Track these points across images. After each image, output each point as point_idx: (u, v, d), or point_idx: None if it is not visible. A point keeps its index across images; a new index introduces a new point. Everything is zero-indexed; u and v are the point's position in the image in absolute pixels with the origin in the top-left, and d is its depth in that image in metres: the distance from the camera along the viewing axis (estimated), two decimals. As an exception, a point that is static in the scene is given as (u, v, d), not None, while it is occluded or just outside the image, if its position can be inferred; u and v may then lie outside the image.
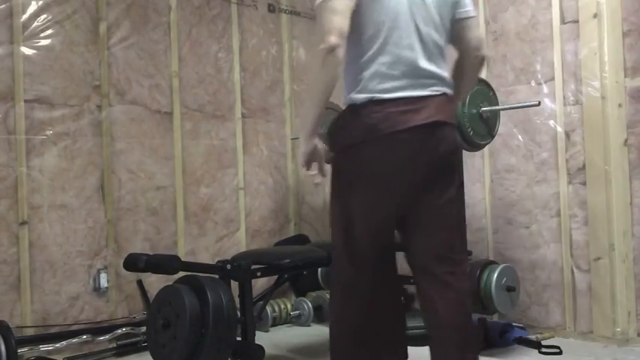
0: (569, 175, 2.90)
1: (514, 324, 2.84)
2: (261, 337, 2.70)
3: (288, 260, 2.65)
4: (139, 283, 3.09)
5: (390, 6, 1.73)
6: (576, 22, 2.86)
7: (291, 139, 3.72)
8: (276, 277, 2.95)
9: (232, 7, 3.60)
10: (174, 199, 3.28)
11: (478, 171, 3.24)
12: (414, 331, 2.89)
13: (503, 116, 2.96)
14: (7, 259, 2.72)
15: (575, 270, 2.88)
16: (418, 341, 2.87)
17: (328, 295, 3.46)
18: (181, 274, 2.51)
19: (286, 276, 3.10)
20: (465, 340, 1.86)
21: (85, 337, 2.80)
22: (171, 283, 2.47)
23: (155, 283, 3.04)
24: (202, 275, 2.39)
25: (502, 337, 2.76)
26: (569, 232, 2.89)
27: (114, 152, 3.07)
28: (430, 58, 1.78)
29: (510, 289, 2.62)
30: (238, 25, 3.61)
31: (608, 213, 2.74)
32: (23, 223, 2.77)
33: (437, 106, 1.76)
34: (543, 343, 2.74)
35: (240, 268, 2.46)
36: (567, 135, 2.90)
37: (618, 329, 2.73)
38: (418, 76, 1.76)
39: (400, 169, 1.74)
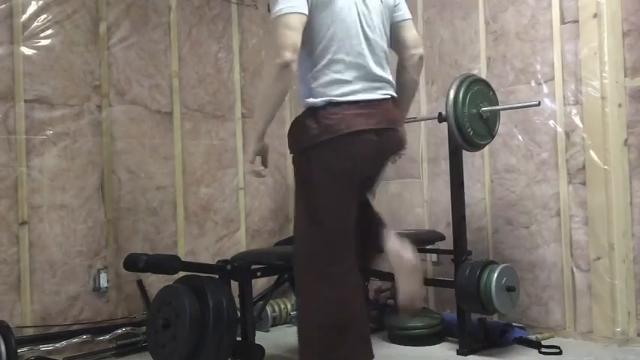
0: (569, 175, 2.90)
1: (514, 324, 2.85)
2: (261, 337, 2.70)
3: (288, 260, 2.65)
4: (139, 283, 3.09)
5: (341, 18, 1.85)
6: (576, 22, 2.86)
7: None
8: (276, 277, 2.96)
9: (232, 7, 3.60)
10: (175, 199, 3.29)
11: (478, 171, 3.24)
12: (414, 331, 2.90)
13: (503, 116, 2.96)
14: (7, 259, 2.72)
15: (575, 270, 2.88)
16: (418, 341, 2.89)
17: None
18: (181, 274, 2.51)
19: (286, 276, 3.10)
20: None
21: (84, 337, 2.81)
22: (171, 283, 2.48)
23: (155, 283, 3.04)
24: (202, 275, 2.39)
25: (502, 336, 2.76)
26: (569, 232, 2.89)
27: (114, 152, 3.07)
28: (378, 62, 1.94)
29: (510, 289, 2.62)
30: (238, 25, 3.61)
31: (608, 213, 2.74)
32: (23, 223, 2.77)
33: (386, 111, 1.92)
34: (543, 343, 2.74)
35: (240, 268, 2.46)
36: (567, 135, 2.90)
37: (618, 329, 2.73)
38: (369, 80, 1.91)
39: (356, 166, 1.87)
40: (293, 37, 1.76)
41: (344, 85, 1.86)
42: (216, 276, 2.48)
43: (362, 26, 1.90)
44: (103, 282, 2.98)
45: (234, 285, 2.49)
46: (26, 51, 2.81)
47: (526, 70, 3.05)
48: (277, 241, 3.64)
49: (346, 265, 1.87)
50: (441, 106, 2.90)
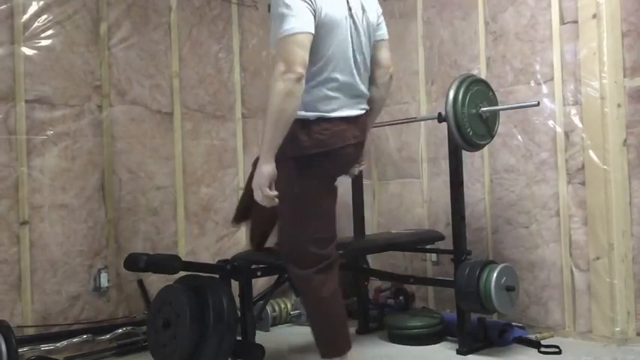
0: (568, 175, 2.90)
1: (513, 323, 2.85)
2: (261, 337, 2.71)
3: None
4: (140, 282, 3.10)
5: (340, 39, 2.01)
6: (575, 22, 2.86)
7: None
8: (276, 276, 2.96)
9: (232, 7, 3.61)
10: (175, 199, 3.29)
11: (478, 171, 3.24)
12: (414, 330, 2.90)
13: (503, 116, 2.97)
14: (7, 258, 2.73)
15: (574, 270, 2.88)
16: (418, 341, 2.89)
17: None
18: (181, 273, 2.52)
19: (286, 276, 3.10)
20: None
21: (85, 336, 2.81)
22: (171, 282, 2.48)
23: (155, 282, 3.04)
24: (203, 275, 2.40)
25: (501, 336, 2.77)
26: (569, 231, 2.90)
27: (114, 152, 3.08)
28: (363, 80, 2.13)
29: (510, 289, 2.63)
30: (238, 26, 3.62)
31: (607, 213, 2.75)
32: (24, 222, 2.77)
33: (362, 124, 2.15)
34: (543, 342, 2.75)
35: (240, 267, 2.46)
36: (566, 135, 2.90)
37: (617, 329, 2.73)
38: (354, 96, 2.10)
39: (337, 172, 2.19)
40: (303, 54, 1.88)
41: (334, 101, 2.02)
42: (217, 276, 2.48)
43: (353, 47, 2.06)
44: (104, 282, 2.98)
45: (235, 285, 2.49)
46: (27, 51, 2.81)
47: (525, 70, 3.05)
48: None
49: (328, 249, 2.11)
50: (441, 106, 2.91)
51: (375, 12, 2.18)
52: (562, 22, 2.91)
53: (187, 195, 3.34)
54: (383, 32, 2.22)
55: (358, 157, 2.24)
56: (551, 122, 2.96)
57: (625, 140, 2.78)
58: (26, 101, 2.80)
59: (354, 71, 2.07)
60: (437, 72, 3.46)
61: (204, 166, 3.43)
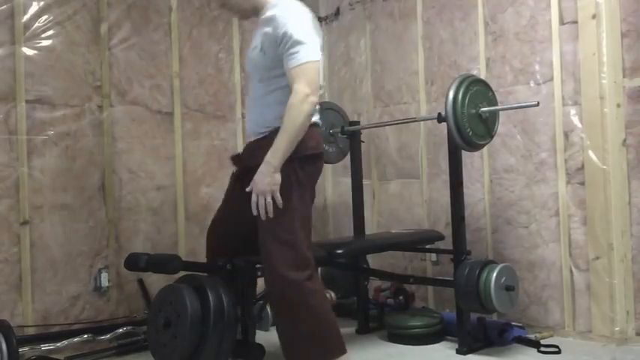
0: (567, 175, 2.91)
1: (513, 323, 2.85)
2: (261, 337, 2.71)
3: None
4: (140, 282, 3.10)
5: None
6: (575, 22, 2.87)
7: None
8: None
9: (233, 7, 3.61)
10: (175, 199, 3.30)
11: (477, 171, 3.25)
12: (414, 330, 2.91)
13: (502, 116, 2.97)
14: (8, 258, 2.73)
15: (574, 269, 2.89)
16: (418, 340, 2.90)
17: (328, 295, 3.47)
18: (182, 273, 2.52)
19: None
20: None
21: (85, 336, 2.81)
22: (171, 282, 2.48)
23: (156, 282, 3.05)
24: (203, 275, 2.40)
25: (501, 336, 2.77)
26: (568, 231, 2.90)
27: (115, 152, 3.08)
28: None
29: (509, 289, 2.63)
30: (239, 26, 3.62)
31: (606, 213, 2.76)
32: (24, 222, 2.78)
33: None
34: (542, 342, 2.75)
35: (240, 267, 2.47)
36: (566, 135, 2.91)
37: (617, 328, 2.73)
38: None
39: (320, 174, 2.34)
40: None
41: (316, 111, 2.24)
42: (217, 275, 2.48)
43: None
44: (104, 281, 2.99)
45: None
46: (27, 51, 2.82)
47: (525, 70, 3.06)
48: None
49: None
50: (441, 107, 2.92)
51: None
52: (561, 22, 2.92)
53: (188, 195, 3.35)
54: None
55: None
56: (550, 122, 2.96)
57: (624, 140, 2.78)
58: (27, 101, 2.81)
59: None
60: (437, 72, 3.46)
61: (204, 166, 3.43)
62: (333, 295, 3.50)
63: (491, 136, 2.83)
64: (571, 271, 2.89)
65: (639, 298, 2.76)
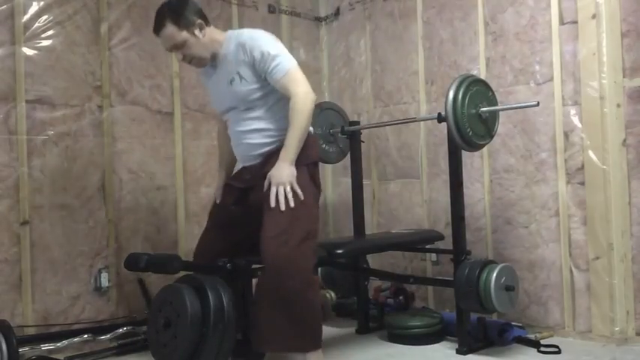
0: (567, 175, 2.91)
1: (513, 323, 2.85)
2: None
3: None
4: (140, 282, 3.10)
5: None
6: (575, 22, 2.87)
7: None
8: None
9: (233, 8, 3.61)
10: (175, 199, 3.30)
11: (477, 171, 3.25)
12: (414, 330, 2.91)
13: (502, 116, 2.97)
14: (8, 258, 2.73)
15: (574, 269, 2.89)
16: (418, 340, 2.90)
17: (328, 295, 3.48)
18: (182, 273, 2.52)
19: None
20: None
21: (86, 336, 2.81)
22: (171, 282, 2.48)
23: (156, 282, 3.05)
24: (203, 275, 2.40)
25: (501, 336, 2.77)
26: (568, 231, 2.90)
27: (115, 152, 3.08)
28: None
29: (509, 289, 2.63)
30: (239, 26, 3.62)
31: (606, 213, 2.76)
32: (24, 222, 2.78)
33: None
34: (542, 342, 2.75)
35: (240, 267, 2.47)
36: (566, 135, 2.91)
37: (617, 328, 2.74)
38: None
39: None
40: None
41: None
42: (217, 275, 2.48)
43: None
44: (104, 281, 2.99)
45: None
46: (27, 51, 2.82)
47: (525, 70, 3.06)
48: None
49: None
50: (441, 107, 2.92)
51: None
52: (561, 22, 2.92)
53: (188, 195, 3.35)
54: None
55: None
56: (550, 122, 2.96)
57: (624, 140, 2.78)
58: (27, 101, 2.81)
59: None
60: (437, 72, 3.46)
61: (204, 166, 3.43)
62: (333, 295, 3.50)
63: (492, 136, 2.83)
64: (571, 271, 2.90)
65: (639, 298, 2.76)
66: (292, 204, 2.23)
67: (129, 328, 2.94)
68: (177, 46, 2.38)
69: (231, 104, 2.45)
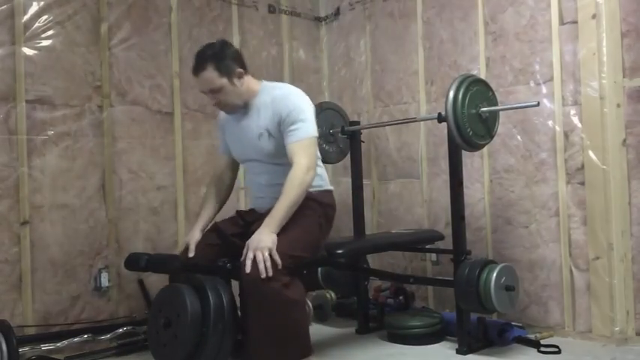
0: (567, 175, 2.91)
1: (513, 323, 2.85)
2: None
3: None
4: (140, 282, 3.10)
5: None
6: (575, 22, 2.87)
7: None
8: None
9: (233, 8, 3.61)
10: (175, 199, 3.30)
11: (477, 171, 3.25)
12: (414, 330, 2.91)
13: (502, 116, 2.97)
14: (8, 258, 2.73)
15: (574, 269, 2.89)
16: (418, 340, 2.90)
17: (328, 295, 3.48)
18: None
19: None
20: None
21: (86, 336, 2.81)
22: (171, 282, 2.48)
23: (156, 282, 3.05)
24: (203, 275, 2.40)
25: (501, 336, 2.77)
26: (568, 231, 2.90)
27: (115, 152, 3.08)
28: None
29: (509, 289, 2.63)
30: (239, 26, 3.62)
31: (606, 213, 2.76)
32: (24, 222, 2.78)
33: None
34: (542, 342, 2.75)
35: (240, 267, 2.47)
36: (566, 135, 2.91)
37: (617, 328, 2.74)
38: None
39: None
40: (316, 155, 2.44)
41: (326, 181, 2.59)
42: (217, 275, 2.48)
43: None
44: (104, 281, 2.99)
45: (235, 284, 2.49)
46: (27, 51, 2.82)
47: (525, 70, 3.06)
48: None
49: None
50: (441, 107, 2.92)
51: None
52: (561, 22, 2.92)
53: (188, 195, 3.35)
54: None
55: None
56: (550, 122, 2.96)
57: (624, 140, 2.78)
58: (27, 101, 2.81)
59: None
60: (437, 72, 3.46)
61: (204, 166, 3.43)
62: (333, 295, 3.50)
63: (492, 136, 2.83)
64: (571, 271, 2.90)
65: (639, 298, 2.76)
66: (270, 273, 2.13)
67: (129, 328, 2.94)
68: (214, 91, 2.41)
69: (256, 157, 2.49)
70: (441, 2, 3.43)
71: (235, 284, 2.49)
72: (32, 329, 2.76)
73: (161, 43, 3.29)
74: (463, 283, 2.63)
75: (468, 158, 3.17)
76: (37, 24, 2.85)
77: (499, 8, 3.16)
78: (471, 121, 2.68)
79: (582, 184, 2.85)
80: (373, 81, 3.84)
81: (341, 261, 3.10)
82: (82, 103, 2.99)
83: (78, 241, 2.94)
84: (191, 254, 2.44)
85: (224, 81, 2.39)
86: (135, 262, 2.58)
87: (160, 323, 2.28)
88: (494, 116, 2.82)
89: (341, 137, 3.32)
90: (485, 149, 3.07)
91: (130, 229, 3.12)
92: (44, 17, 2.88)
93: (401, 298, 3.30)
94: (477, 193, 3.25)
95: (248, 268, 2.15)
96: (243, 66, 2.45)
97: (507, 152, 3.13)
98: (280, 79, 3.78)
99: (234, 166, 2.71)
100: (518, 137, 3.09)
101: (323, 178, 2.54)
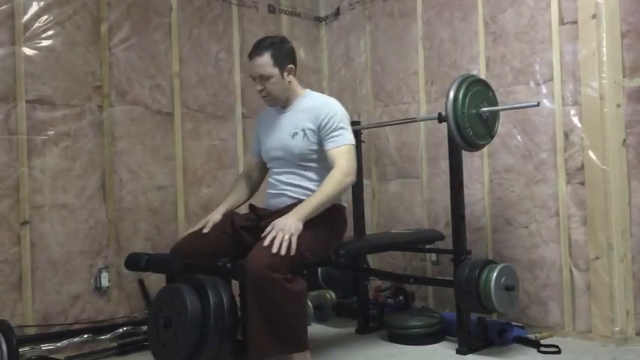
0: (567, 175, 2.91)
1: (513, 323, 2.85)
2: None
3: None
4: (140, 282, 3.10)
5: None
6: (575, 22, 2.87)
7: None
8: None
9: (233, 8, 3.61)
10: (175, 199, 3.30)
11: (477, 171, 3.25)
12: (414, 330, 2.91)
13: (502, 116, 2.97)
14: (8, 258, 2.73)
15: (573, 269, 2.89)
16: (418, 340, 2.90)
17: (328, 295, 3.48)
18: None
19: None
20: None
21: (86, 336, 2.82)
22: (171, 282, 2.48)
23: (156, 282, 3.05)
24: (203, 275, 2.40)
25: (501, 336, 2.77)
26: (568, 231, 2.90)
27: (115, 152, 3.08)
28: None
29: (509, 289, 2.63)
30: (239, 26, 3.62)
31: (606, 213, 2.76)
32: (25, 222, 2.78)
33: None
34: (542, 342, 2.75)
35: (240, 267, 2.47)
36: (566, 135, 2.91)
37: (617, 328, 2.74)
38: None
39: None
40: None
41: None
42: (217, 275, 2.48)
43: None
44: (105, 281, 2.99)
45: (235, 284, 2.50)
46: (27, 51, 2.82)
47: (525, 70, 3.06)
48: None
49: None
50: (441, 107, 2.92)
51: None
52: (561, 22, 2.92)
53: (188, 195, 3.35)
54: None
55: None
56: (550, 122, 2.96)
57: (624, 140, 2.78)
58: (27, 101, 2.81)
59: None
60: (437, 72, 3.46)
61: (204, 166, 3.43)
62: (333, 295, 3.50)
63: (492, 136, 2.83)
64: (571, 271, 2.90)
65: (639, 298, 2.76)
66: (283, 252, 2.19)
67: (129, 328, 2.94)
68: (263, 77, 2.51)
69: (284, 156, 2.56)
70: (441, 2, 3.43)
71: (235, 284, 2.49)
72: (32, 329, 2.76)
73: (161, 43, 3.29)
74: (463, 283, 2.63)
75: (468, 158, 3.17)
76: (37, 24, 2.86)
77: (499, 8, 3.16)
78: (471, 121, 2.69)
79: (582, 184, 2.85)
80: (373, 81, 3.84)
81: (341, 261, 3.10)
82: (82, 103, 2.99)
83: (78, 241, 2.94)
84: (206, 230, 2.54)
85: (275, 71, 2.50)
86: (135, 262, 2.58)
87: (160, 323, 2.28)
88: (494, 116, 2.82)
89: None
90: (485, 149, 3.07)
91: (130, 229, 3.12)
92: (44, 17, 2.88)
93: (401, 298, 3.30)
94: (477, 193, 3.25)
95: (267, 242, 2.21)
96: (295, 64, 2.57)
97: (507, 152, 3.13)
98: (280, 79, 3.78)
99: (262, 168, 2.78)
100: (518, 137, 3.09)
101: None
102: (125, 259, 2.64)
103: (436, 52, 3.47)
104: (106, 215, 3.04)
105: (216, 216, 2.61)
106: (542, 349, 2.67)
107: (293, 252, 2.21)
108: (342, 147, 2.44)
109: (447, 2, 3.40)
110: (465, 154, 2.88)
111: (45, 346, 2.71)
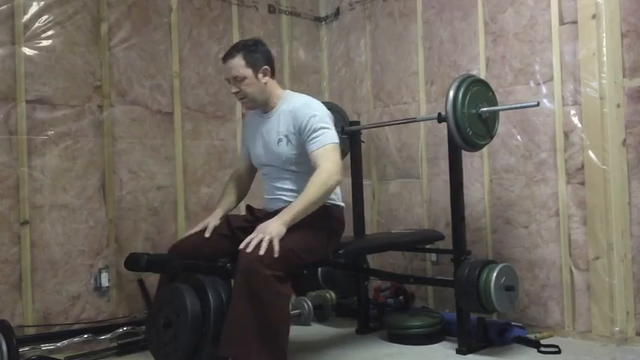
0: (567, 175, 2.91)
1: (513, 323, 2.85)
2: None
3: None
4: (140, 282, 3.10)
5: None
6: (575, 22, 2.87)
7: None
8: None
9: (233, 8, 3.62)
10: (175, 199, 3.30)
11: (477, 171, 3.25)
12: (414, 330, 2.91)
13: (502, 116, 2.97)
14: (8, 258, 2.73)
15: (573, 269, 2.89)
16: (418, 340, 2.90)
17: (328, 295, 3.48)
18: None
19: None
20: None
21: (86, 336, 2.81)
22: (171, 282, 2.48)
23: (156, 282, 3.04)
24: (203, 275, 2.40)
25: (501, 336, 2.77)
26: (568, 231, 2.90)
27: (115, 152, 3.09)
28: None
29: (509, 289, 2.63)
30: (239, 26, 3.63)
31: (606, 213, 2.76)
32: (25, 222, 2.78)
33: None
34: (542, 342, 2.75)
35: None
36: (566, 135, 2.91)
37: (617, 328, 2.74)
38: None
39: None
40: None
41: (339, 196, 2.63)
42: (217, 275, 2.48)
43: None
44: (104, 281, 2.99)
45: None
46: (27, 51, 2.82)
47: (525, 70, 3.06)
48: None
49: None
50: (441, 107, 2.92)
51: None
52: (561, 22, 2.92)
53: (188, 195, 3.35)
54: None
55: None
56: (550, 122, 2.96)
57: (624, 140, 2.78)
58: (27, 101, 2.81)
59: None
60: (436, 72, 3.46)
61: (204, 166, 3.43)
62: (333, 295, 3.50)
63: (492, 136, 2.83)
64: (571, 271, 2.90)
65: (639, 298, 2.76)
66: (262, 252, 2.15)
67: (129, 328, 2.94)
68: (237, 79, 2.49)
69: (273, 162, 2.55)
70: (441, 2, 3.43)
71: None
72: (32, 329, 2.76)
73: (161, 43, 3.29)
74: (463, 283, 2.63)
75: (468, 158, 3.17)
76: (37, 24, 2.86)
77: (499, 8, 3.16)
78: (471, 121, 2.69)
79: (582, 184, 2.85)
80: (373, 81, 3.84)
81: (341, 261, 3.11)
82: (82, 103, 2.99)
83: (78, 241, 2.94)
84: (207, 234, 2.52)
85: (249, 72, 2.48)
86: (135, 262, 2.57)
87: (160, 323, 2.29)
88: (494, 116, 2.82)
89: (341, 137, 3.31)
90: (485, 149, 3.07)
91: (130, 229, 3.12)
92: (44, 17, 2.88)
93: (401, 298, 3.30)
94: (476, 193, 3.25)
95: (243, 245, 2.19)
96: (270, 65, 2.55)
97: (507, 152, 3.13)
98: (280, 80, 3.76)
99: (251, 172, 2.80)
100: (518, 137, 3.09)
101: (336, 193, 2.57)
102: (125, 259, 2.63)
103: (436, 52, 3.47)
104: (106, 215, 3.04)
105: (214, 220, 2.60)
106: (542, 349, 2.67)
107: (276, 254, 2.16)
108: (325, 146, 2.38)
109: (447, 2, 3.40)
110: (465, 154, 2.89)
111: (45, 346, 2.71)
